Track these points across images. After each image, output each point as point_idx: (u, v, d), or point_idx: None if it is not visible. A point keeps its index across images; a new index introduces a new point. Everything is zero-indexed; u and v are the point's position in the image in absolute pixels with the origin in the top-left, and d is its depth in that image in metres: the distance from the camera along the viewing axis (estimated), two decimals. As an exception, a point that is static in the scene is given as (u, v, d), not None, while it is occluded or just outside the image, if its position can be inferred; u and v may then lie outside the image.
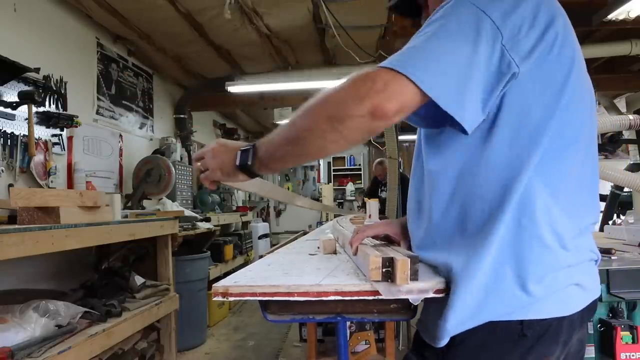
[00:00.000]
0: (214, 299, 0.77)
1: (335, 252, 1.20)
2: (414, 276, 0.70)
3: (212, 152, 0.89)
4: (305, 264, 1.02)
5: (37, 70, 2.69)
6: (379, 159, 6.06)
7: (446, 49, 0.69)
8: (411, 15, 1.07)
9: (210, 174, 0.89)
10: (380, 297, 0.74)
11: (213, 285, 0.78)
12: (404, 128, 7.27)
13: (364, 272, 0.84)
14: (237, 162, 0.83)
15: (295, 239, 2.30)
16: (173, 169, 3.82)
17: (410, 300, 0.72)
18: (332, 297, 0.74)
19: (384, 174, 5.74)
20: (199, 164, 0.92)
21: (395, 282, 0.70)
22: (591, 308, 0.81)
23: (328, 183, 8.80)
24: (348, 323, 1.49)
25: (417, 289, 0.70)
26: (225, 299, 0.76)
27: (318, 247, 1.34)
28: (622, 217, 2.42)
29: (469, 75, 0.69)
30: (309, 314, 0.82)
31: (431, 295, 0.72)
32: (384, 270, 0.72)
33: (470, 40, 0.70)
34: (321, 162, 9.30)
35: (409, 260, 0.69)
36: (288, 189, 9.28)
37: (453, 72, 0.69)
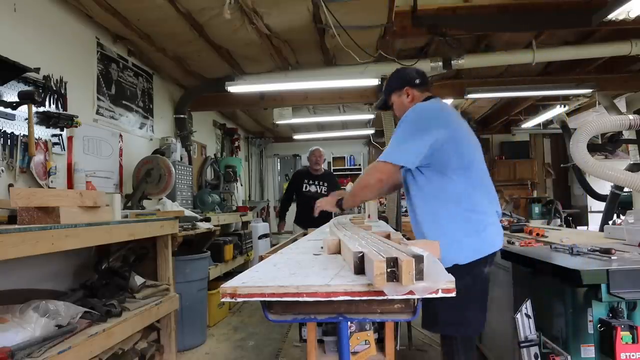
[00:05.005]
0: (222, 300, 0.76)
1: (339, 252, 1.20)
2: (419, 275, 0.70)
3: (324, 200, 2.15)
4: (311, 265, 1.02)
5: (37, 70, 2.68)
6: (314, 147, 4.77)
7: (409, 143, 1.77)
8: (386, 109, 2.19)
9: (323, 205, 2.14)
10: (387, 297, 0.73)
11: (221, 286, 0.77)
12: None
13: (367, 276, 0.83)
14: (335, 204, 2.07)
15: (295, 239, 2.30)
16: (173, 169, 3.82)
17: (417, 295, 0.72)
18: (341, 297, 0.74)
19: (314, 165, 4.68)
20: (318, 204, 2.16)
21: (400, 283, 0.70)
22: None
23: (328, 183, 8.78)
24: (349, 323, 1.48)
25: (423, 288, 0.70)
26: (234, 300, 0.75)
27: (322, 247, 1.34)
28: (622, 217, 2.42)
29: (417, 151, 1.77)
30: (311, 314, 0.82)
31: (440, 294, 0.72)
32: (388, 270, 0.72)
33: (419, 137, 1.75)
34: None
35: (414, 260, 0.69)
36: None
37: (412, 152, 1.77)
